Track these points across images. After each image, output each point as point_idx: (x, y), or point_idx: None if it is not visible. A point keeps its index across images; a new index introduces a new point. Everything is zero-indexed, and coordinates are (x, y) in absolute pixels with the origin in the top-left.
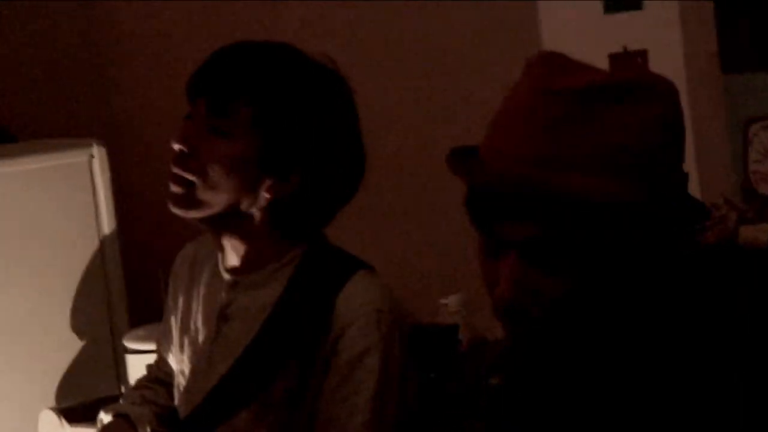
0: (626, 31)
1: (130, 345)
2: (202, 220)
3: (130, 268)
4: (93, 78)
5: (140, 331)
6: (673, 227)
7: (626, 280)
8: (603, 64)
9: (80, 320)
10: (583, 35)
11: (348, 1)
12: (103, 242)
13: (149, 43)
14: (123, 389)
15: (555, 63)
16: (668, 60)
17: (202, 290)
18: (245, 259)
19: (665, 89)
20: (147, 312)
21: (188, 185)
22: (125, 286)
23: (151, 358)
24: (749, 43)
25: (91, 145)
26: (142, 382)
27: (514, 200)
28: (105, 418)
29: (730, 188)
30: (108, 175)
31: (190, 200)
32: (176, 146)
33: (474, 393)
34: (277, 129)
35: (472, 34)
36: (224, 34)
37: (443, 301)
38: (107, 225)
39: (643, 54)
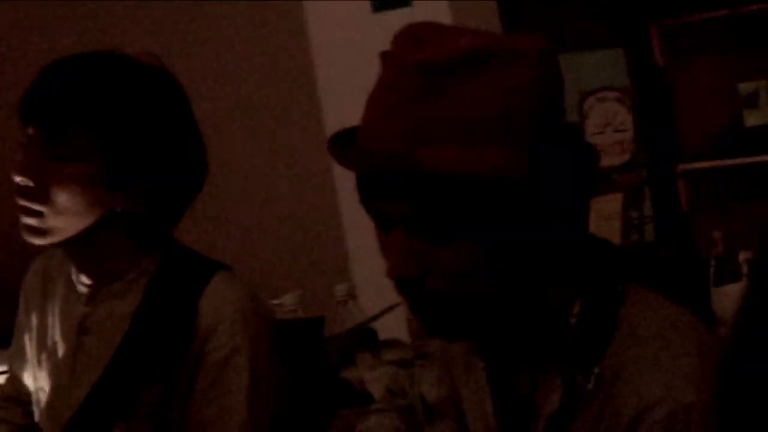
0: (396, 30)
1: None
2: (59, 244)
3: None
4: None
5: None
6: (560, 189)
7: (522, 244)
8: (373, 63)
9: None
10: (353, 34)
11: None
12: None
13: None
14: None
15: (417, 35)
16: None
17: (57, 304)
18: (101, 272)
19: (527, 52)
20: None
21: (38, 215)
22: None
23: (1, 381)
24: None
25: None
26: None
27: (385, 179)
28: None
29: None
30: None
31: (41, 230)
32: (17, 178)
33: (331, 387)
34: (117, 143)
35: (240, 34)
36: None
37: (275, 301)
38: None
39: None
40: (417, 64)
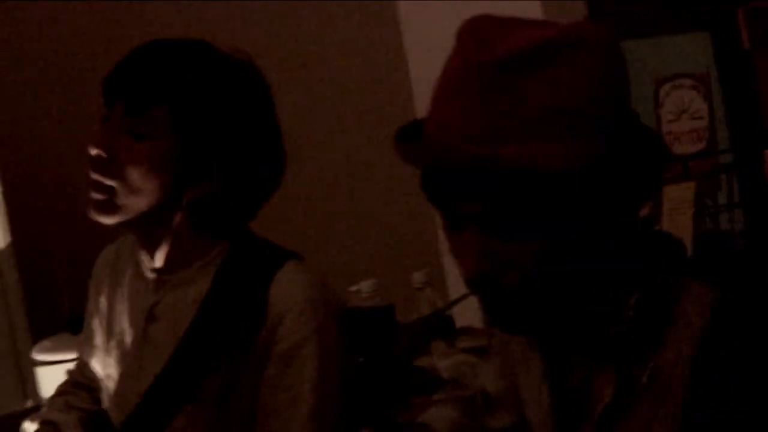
0: (481, 4)
1: (40, 357)
2: (125, 224)
3: (29, 280)
4: None
5: (47, 343)
6: (631, 182)
7: (592, 239)
8: None
9: None
10: (447, 33)
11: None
12: None
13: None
14: (31, 403)
15: (483, 30)
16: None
17: (125, 292)
18: (170, 258)
19: (594, 41)
20: (48, 323)
21: (109, 191)
22: (25, 299)
23: (62, 369)
24: (617, 13)
25: None
26: (65, 388)
27: (460, 178)
28: (30, 427)
29: None
30: (0, 187)
31: (112, 206)
32: (93, 151)
33: (404, 375)
34: (196, 128)
35: (334, 34)
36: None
37: (353, 288)
38: (1, 237)
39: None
40: (489, 62)
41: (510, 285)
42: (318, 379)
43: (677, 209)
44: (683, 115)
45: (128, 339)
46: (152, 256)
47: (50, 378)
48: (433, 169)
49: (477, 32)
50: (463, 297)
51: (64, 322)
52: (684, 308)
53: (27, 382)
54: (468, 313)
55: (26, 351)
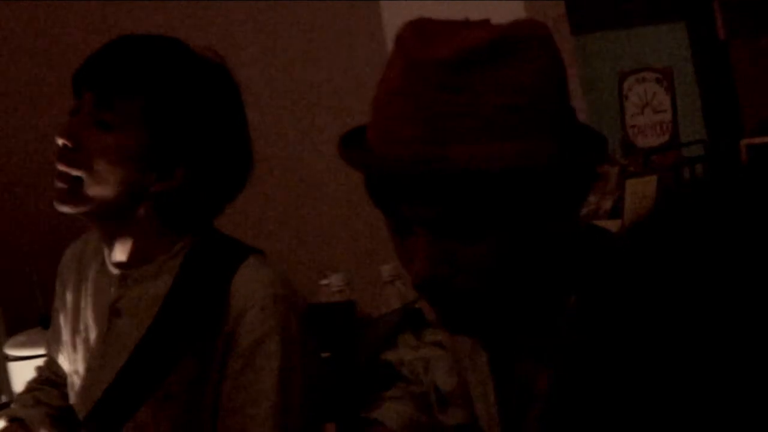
0: (466, 5)
1: (12, 352)
2: (88, 215)
3: (1, 276)
4: None
5: (21, 338)
6: (581, 179)
7: (542, 237)
8: None
9: None
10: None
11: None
12: None
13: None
14: (4, 398)
15: (424, 31)
16: None
17: (90, 287)
18: (133, 253)
19: (539, 37)
20: (22, 318)
21: (74, 181)
22: None
23: (34, 364)
24: (593, 4)
25: None
26: (32, 385)
27: (409, 182)
28: None
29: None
30: None
31: (76, 196)
32: (60, 141)
33: (371, 369)
34: (164, 122)
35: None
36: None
37: (323, 282)
38: None
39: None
40: (435, 61)
41: (462, 287)
42: (280, 376)
43: (640, 203)
44: (646, 109)
45: (93, 334)
46: (115, 251)
47: (23, 373)
48: (378, 173)
49: (421, 33)
50: None
51: (36, 318)
52: None
53: (3, 378)
54: None
55: (1, 347)
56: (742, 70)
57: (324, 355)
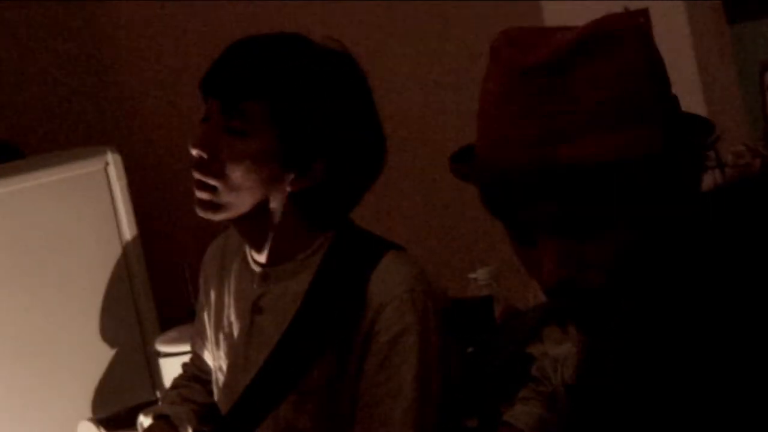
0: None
1: (163, 348)
2: (230, 220)
3: (155, 271)
4: (96, 84)
5: (172, 334)
6: (690, 162)
7: (672, 226)
8: None
9: (110, 328)
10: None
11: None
12: (126, 248)
13: (152, 44)
14: (158, 394)
15: (517, 40)
16: (671, 16)
17: (233, 284)
18: (274, 251)
19: (626, 30)
20: (176, 314)
21: (212, 189)
22: (151, 290)
23: (185, 360)
24: None
25: (105, 153)
26: (179, 381)
27: (523, 186)
28: (145, 421)
29: (749, 136)
30: (125, 181)
31: (215, 204)
32: (194, 152)
33: (514, 363)
34: (293, 121)
35: (476, 32)
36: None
37: (472, 275)
38: (128, 231)
39: (644, 13)
40: (533, 66)
41: (591, 286)
42: (418, 371)
43: None
44: None
45: (236, 331)
46: (257, 250)
47: (174, 369)
48: (492, 180)
49: (514, 42)
50: None
51: (187, 314)
52: None
53: (155, 374)
54: None
55: (154, 343)
56: None
57: (467, 350)
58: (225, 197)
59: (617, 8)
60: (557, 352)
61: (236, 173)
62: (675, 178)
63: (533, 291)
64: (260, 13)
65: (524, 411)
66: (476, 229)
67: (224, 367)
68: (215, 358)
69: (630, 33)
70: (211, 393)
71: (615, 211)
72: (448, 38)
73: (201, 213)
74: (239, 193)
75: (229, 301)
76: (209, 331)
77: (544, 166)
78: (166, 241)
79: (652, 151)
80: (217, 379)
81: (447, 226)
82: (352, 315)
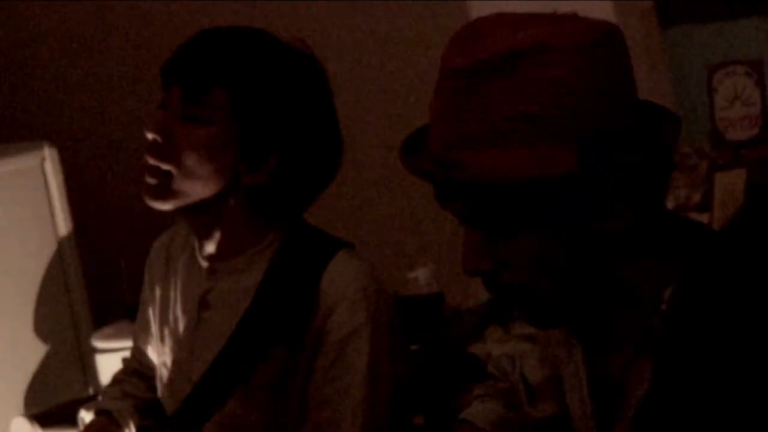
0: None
1: (99, 344)
2: (179, 209)
3: (90, 267)
4: (28, 80)
5: (107, 330)
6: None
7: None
8: None
9: (43, 324)
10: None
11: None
12: (61, 243)
13: (82, 39)
14: (92, 390)
15: (469, 33)
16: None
17: (179, 279)
18: (223, 245)
19: (561, 46)
20: (111, 310)
21: (164, 175)
22: (86, 286)
23: (122, 356)
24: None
25: (42, 148)
26: (119, 376)
27: (436, 182)
28: (86, 416)
29: (686, 139)
30: (61, 176)
31: (166, 191)
32: (150, 135)
33: (458, 362)
34: (253, 113)
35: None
36: (162, 29)
37: (411, 274)
38: (64, 226)
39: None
40: (456, 67)
41: (510, 282)
42: (370, 369)
43: (729, 196)
44: (736, 102)
45: (182, 326)
46: (206, 244)
47: (110, 366)
48: (417, 175)
49: (458, 37)
50: None
51: (124, 310)
52: None
53: (88, 370)
54: None
55: (88, 339)
56: None
57: (412, 347)
58: (177, 184)
59: (544, 8)
60: (501, 351)
61: (191, 160)
62: (591, 196)
63: (472, 290)
64: (196, 11)
65: (483, 408)
66: (413, 228)
67: (168, 363)
68: (159, 354)
69: (562, 49)
70: (152, 388)
71: (520, 219)
72: (373, 36)
73: (150, 201)
74: (193, 181)
75: (176, 296)
76: (154, 327)
77: (449, 169)
78: (101, 237)
79: (555, 172)
80: (161, 374)
81: (384, 223)
82: (303, 312)
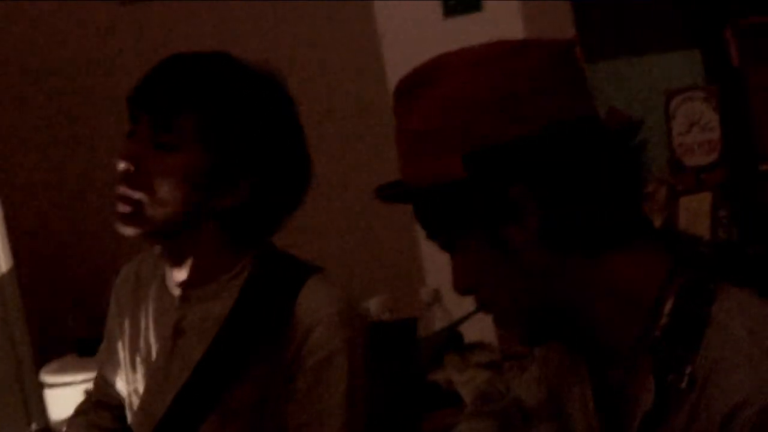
0: (467, 34)
1: (48, 379)
2: (151, 235)
3: (33, 303)
4: None
5: (54, 365)
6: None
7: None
8: None
9: None
10: (423, 38)
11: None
12: (1, 281)
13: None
14: (35, 426)
15: (431, 59)
16: None
17: (150, 308)
18: (195, 272)
19: (459, 66)
20: (55, 347)
21: (136, 204)
22: (27, 322)
23: (71, 390)
24: (606, 32)
25: None
26: (84, 407)
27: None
28: None
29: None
30: (0, 212)
31: (138, 218)
32: (122, 165)
33: (420, 387)
34: (223, 138)
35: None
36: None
37: (363, 304)
38: (3, 263)
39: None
40: (398, 87)
41: (486, 299)
42: (347, 393)
43: (695, 219)
44: (694, 128)
45: (154, 353)
46: (177, 270)
47: (59, 400)
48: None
49: (424, 62)
50: (474, 312)
51: (70, 344)
52: (720, 311)
53: (31, 406)
54: (476, 328)
55: (30, 374)
56: (759, 96)
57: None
58: (149, 211)
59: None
60: (461, 378)
61: (163, 188)
62: (493, 200)
63: (426, 320)
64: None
65: (472, 428)
66: (365, 258)
67: (141, 390)
68: (130, 382)
69: (459, 65)
70: (118, 419)
71: (439, 228)
72: (283, 37)
73: (121, 228)
74: (164, 207)
75: (147, 324)
76: (123, 355)
77: (400, 180)
78: (43, 273)
79: (448, 180)
80: (131, 402)
81: (335, 253)
82: (278, 338)
